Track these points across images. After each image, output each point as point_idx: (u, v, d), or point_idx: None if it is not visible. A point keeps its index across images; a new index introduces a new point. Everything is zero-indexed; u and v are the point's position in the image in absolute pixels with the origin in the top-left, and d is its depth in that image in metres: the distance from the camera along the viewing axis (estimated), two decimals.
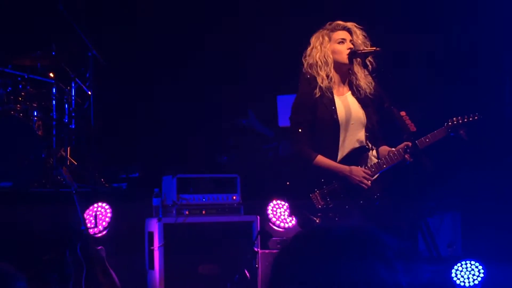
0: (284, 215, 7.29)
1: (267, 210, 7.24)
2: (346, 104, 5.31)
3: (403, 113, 5.08)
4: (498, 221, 7.57)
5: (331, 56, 5.30)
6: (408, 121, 5.04)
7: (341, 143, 5.26)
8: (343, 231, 2.03)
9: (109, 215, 6.75)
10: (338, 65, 5.32)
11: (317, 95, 5.23)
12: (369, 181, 5.15)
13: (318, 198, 5.15)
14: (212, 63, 8.90)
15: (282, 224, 7.28)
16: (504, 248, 7.32)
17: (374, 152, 5.34)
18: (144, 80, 8.74)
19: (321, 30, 5.40)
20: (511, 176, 7.68)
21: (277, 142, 8.19)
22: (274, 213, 7.28)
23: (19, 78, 7.62)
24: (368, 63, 5.26)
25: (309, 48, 5.38)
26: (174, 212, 6.77)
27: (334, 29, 5.35)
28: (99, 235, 6.69)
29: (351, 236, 2.02)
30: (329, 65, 5.29)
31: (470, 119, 5.26)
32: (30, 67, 7.75)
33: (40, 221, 6.71)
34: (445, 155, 6.70)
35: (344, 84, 5.38)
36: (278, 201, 7.27)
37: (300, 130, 5.24)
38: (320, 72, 5.28)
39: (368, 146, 5.30)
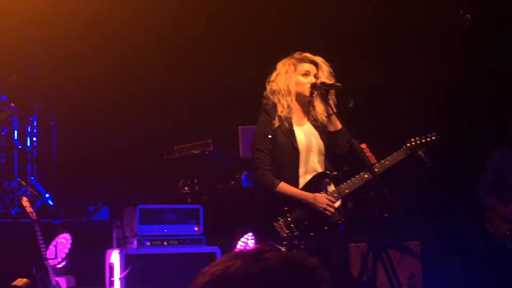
0: (248, 247, 7.27)
1: (231, 241, 7.22)
2: (306, 133, 5.33)
3: (363, 145, 5.12)
4: (459, 250, 7.62)
5: (294, 86, 5.33)
6: (368, 153, 5.09)
7: (301, 170, 5.27)
8: (277, 263, 1.98)
9: (68, 245, 6.69)
10: (299, 96, 5.34)
11: (276, 125, 5.27)
12: (333, 208, 5.18)
13: (283, 226, 5.15)
14: (179, 93, 8.89)
15: None
16: (465, 277, 7.37)
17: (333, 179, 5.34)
18: (109, 109, 8.70)
19: (288, 58, 5.41)
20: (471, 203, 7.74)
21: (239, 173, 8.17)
22: (238, 244, 7.26)
23: None
24: (330, 98, 5.28)
25: (274, 74, 5.39)
26: (135, 243, 6.73)
27: (301, 60, 5.36)
28: (59, 266, 6.62)
29: (285, 269, 1.97)
30: (291, 95, 5.31)
31: (428, 139, 5.34)
32: None
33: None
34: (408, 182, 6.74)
35: (303, 115, 5.42)
36: (243, 233, 7.26)
37: (262, 157, 5.26)
38: (281, 100, 5.30)
39: (330, 172, 5.33)
